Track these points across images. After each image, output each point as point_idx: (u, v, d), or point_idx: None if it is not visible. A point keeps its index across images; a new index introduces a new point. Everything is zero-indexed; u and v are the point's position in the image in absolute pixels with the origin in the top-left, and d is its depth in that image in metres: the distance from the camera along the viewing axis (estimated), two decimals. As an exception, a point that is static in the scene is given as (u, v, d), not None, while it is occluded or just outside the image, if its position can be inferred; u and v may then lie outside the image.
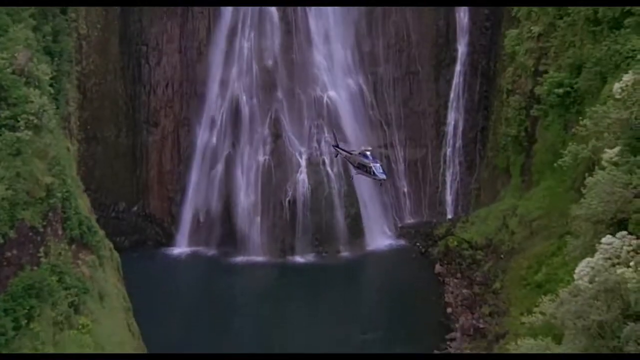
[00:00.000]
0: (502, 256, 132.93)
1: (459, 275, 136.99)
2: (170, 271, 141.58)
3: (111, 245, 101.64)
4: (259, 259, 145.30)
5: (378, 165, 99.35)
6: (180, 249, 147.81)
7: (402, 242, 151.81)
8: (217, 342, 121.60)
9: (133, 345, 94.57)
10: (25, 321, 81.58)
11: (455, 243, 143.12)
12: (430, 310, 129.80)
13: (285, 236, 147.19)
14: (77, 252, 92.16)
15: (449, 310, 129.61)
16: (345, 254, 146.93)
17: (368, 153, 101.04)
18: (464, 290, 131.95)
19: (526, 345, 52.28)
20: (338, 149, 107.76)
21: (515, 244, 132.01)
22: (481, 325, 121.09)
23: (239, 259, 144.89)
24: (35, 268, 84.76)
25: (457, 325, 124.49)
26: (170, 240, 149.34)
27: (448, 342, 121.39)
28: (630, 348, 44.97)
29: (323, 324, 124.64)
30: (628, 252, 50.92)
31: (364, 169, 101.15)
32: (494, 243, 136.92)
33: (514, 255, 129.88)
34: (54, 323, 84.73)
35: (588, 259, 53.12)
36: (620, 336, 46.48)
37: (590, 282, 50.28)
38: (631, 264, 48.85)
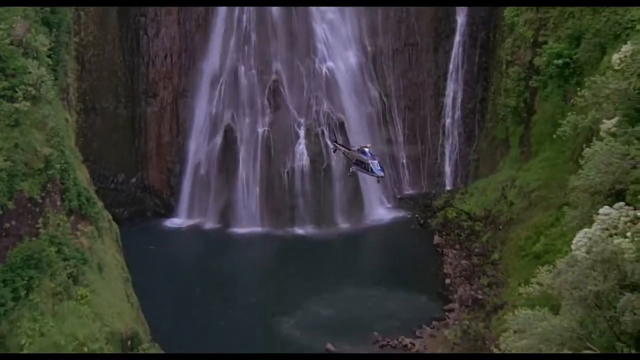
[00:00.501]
0: (500, 227, 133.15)
1: (457, 246, 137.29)
2: (169, 242, 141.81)
3: (110, 217, 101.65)
4: (258, 230, 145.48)
5: (376, 162, 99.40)
6: (179, 220, 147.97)
7: (400, 213, 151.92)
8: (215, 313, 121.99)
9: (132, 315, 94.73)
10: (24, 292, 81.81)
11: (454, 214, 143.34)
12: (428, 281, 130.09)
13: (284, 208, 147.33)
14: (75, 223, 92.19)
15: (447, 281, 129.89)
16: (344, 225, 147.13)
17: (367, 150, 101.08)
18: (463, 261, 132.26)
19: (523, 315, 52.45)
20: (337, 145, 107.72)
21: (513, 214, 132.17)
22: (479, 296, 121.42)
23: (238, 230, 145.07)
24: (34, 239, 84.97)
25: (455, 296, 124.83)
26: (169, 212, 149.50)
27: (446, 313, 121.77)
28: (627, 318, 45.14)
29: (322, 294, 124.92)
30: (625, 222, 51.03)
31: (362, 166, 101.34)
32: (492, 214, 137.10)
33: (513, 226, 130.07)
34: (53, 294, 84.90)
35: (585, 229, 53.23)
36: (617, 306, 46.65)
37: (588, 252, 50.38)
38: (628, 234, 48.96)
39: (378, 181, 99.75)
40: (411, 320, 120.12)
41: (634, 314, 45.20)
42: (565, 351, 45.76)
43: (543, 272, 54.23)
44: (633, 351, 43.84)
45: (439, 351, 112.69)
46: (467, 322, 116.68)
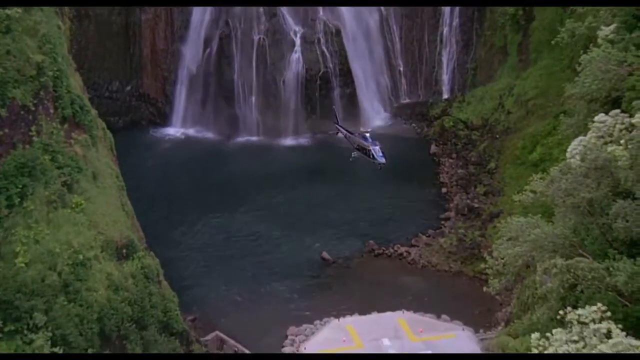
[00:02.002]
0: (497, 136, 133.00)
1: (454, 155, 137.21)
2: (165, 151, 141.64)
3: (104, 125, 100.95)
4: (254, 138, 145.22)
5: (377, 148, 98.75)
6: (175, 129, 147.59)
7: (397, 122, 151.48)
8: (211, 220, 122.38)
9: (127, 224, 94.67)
10: (19, 199, 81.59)
11: (451, 123, 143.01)
12: (425, 190, 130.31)
13: (281, 116, 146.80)
14: (69, 132, 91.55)
15: (443, 190, 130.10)
16: (340, 134, 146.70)
17: (367, 135, 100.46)
18: (459, 170, 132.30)
19: (516, 222, 52.38)
20: (339, 127, 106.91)
21: (510, 123, 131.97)
22: (476, 205, 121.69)
23: (234, 139, 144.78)
24: (27, 147, 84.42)
25: (451, 205, 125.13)
26: (164, 121, 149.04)
27: (442, 222, 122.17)
28: (619, 225, 45.01)
29: (317, 203, 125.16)
30: (620, 130, 50.52)
31: (363, 152, 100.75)
32: (489, 123, 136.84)
33: (510, 135, 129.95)
34: (48, 202, 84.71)
35: (580, 137, 52.77)
36: (609, 213, 46.53)
37: (582, 160, 50.04)
38: (622, 141, 48.57)
39: (380, 168, 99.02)
40: (407, 229, 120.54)
41: (626, 221, 45.08)
42: (558, 258, 45.70)
43: (537, 179, 54.03)
44: (624, 257, 43.83)
45: (434, 259, 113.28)
46: (462, 231, 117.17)
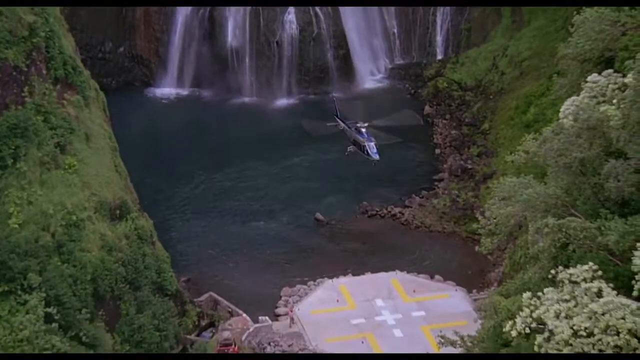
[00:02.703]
0: (491, 97, 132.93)
1: (448, 116, 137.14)
2: (158, 112, 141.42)
3: (97, 86, 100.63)
4: (248, 99, 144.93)
5: (372, 144, 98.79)
6: (168, 90, 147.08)
7: (391, 83, 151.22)
8: (205, 182, 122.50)
9: (120, 185, 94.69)
10: (12, 160, 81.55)
11: (445, 84, 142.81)
12: (418, 151, 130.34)
13: (274, 77, 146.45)
14: (62, 92, 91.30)
15: (437, 151, 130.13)
16: (334, 94, 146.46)
17: (363, 130, 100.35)
18: (453, 131, 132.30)
19: (508, 182, 52.32)
20: (337, 119, 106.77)
21: (504, 84, 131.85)
22: (469, 166, 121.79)
23: (228, 100, 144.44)
24: (19, 108, 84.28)
25: (445, 166, 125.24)
26: (157, 82, 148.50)
27: (436, 183, 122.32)
28: (611, 184, 45.00)
29: (311, 163, 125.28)
30: (613, 90, 50.39)
31: (358, 147, 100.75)
32: (483, 84, 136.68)
33: (503, 95, 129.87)
34: (41, 163, 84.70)
35: (573, 97, 52.62)
36: (601, 173, 46.50)
37: (574, 120, 49.94)
38: (614, 101, 48.48)
39: (374, 164, 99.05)
40: (400, 190, 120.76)
41: (618, 181, 45.05)
42: (550, 217, 45.71)
43: (529, 139, 53.95)
44: (616, 217, 43.86)
45: (427, 220, 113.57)
46: (456, 192, 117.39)
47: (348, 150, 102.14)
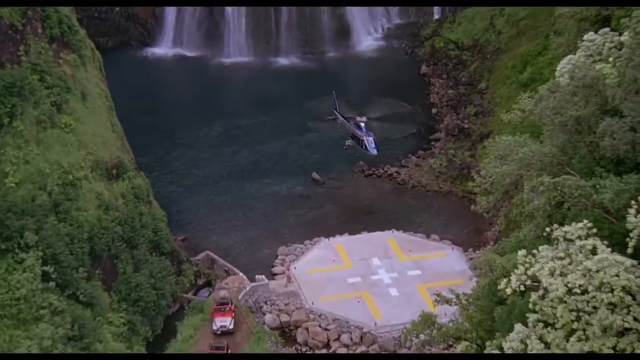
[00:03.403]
0: (488, 56, 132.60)
1: (444, 76, 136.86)
2: (154, 71, 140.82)
3: (93, 45, 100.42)
4: (245, 59, 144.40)
5: (371, 139, 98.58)
6: (165, 49, 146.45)
7: (388, 43, 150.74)
8: (202, 141, 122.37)
9: (117, 144, 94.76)
10: (8, 119, 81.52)
11: (442, 44, 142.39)
12: (415, 111, 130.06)
13: (271, 37, 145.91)
14: (58, 52, 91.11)
15: (434, 110, 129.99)
16: (331, 54, 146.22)
17: (362, 125, 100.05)
18: (450, 91, 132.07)
19: (504, 141, 52.32)
20: (336, 113, 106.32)
21: (501, 44, 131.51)
22: (466, 125, 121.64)
23: (224, 60, 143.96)
24: (15, 67, 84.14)
25: (441, 126, 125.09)
26: (154, 41, 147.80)
27: (432, 143, 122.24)
28: (606, 142, 45.04)
29: (308, 123, 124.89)
30: (609, 48, 50.37)
31: (357, 141, 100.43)
32: (480, 43, 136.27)
33: (500, 55, 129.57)
34: (37, 122, 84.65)
35: (570, 56, 52.60)
36: (597, 131, 46.54)
37: (571, 78, 49.95)
38: (610, 59, 48.46)
39: (372, 159, 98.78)
40: (397, 150, 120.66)
41: (613, 139, 45.12)
42: (545, 176, 45.77)
43: (525, 98, 53.96)
44: (611, 175, 43.90)
45: (424, 179, 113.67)
46: (452, 151, 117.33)
47: (346, 144, 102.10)
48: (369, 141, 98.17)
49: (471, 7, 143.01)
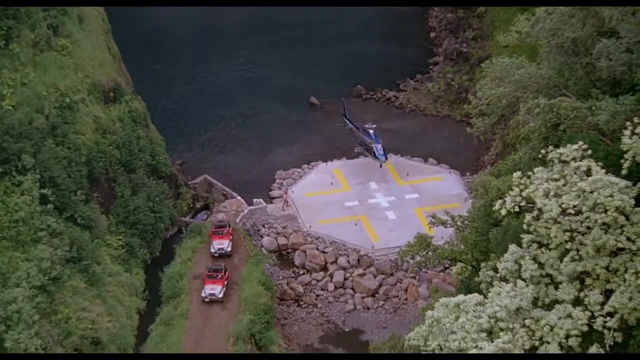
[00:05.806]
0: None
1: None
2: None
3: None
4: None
5: (379, 146, 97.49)
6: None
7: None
8: (201, 64, 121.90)
9: (114, 67, 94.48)
10: (4, 42, 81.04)
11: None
12: (413, 35, 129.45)
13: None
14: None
15: (432, 34, 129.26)
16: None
17: (371, 131, 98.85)
18: (448, 15, 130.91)
19: (501, 62, 52.25)
20: (345, 119, 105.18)
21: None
22: (464, 49, 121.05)
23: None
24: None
25: (440, 50, 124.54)
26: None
27: (430, 67, 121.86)
28: (602, 64, 45.00)
29: (305, 50, 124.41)
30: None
31: (365, 148, 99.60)
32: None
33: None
34: (34, 44, 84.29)
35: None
36: (593, 52, 46.46)
37: None
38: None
39: (380, 166, 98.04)
40: (395, 74, 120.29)
41: (610, 60, 45.07)
42: (541, 98, 45.80)
43: (522, 20, 53.73)
44: (607, 96, 43.91)
45: (421, 103, 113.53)
46: (451, 75, 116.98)
47: (355, 150, 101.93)
48: (378, 148, 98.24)
49: None
